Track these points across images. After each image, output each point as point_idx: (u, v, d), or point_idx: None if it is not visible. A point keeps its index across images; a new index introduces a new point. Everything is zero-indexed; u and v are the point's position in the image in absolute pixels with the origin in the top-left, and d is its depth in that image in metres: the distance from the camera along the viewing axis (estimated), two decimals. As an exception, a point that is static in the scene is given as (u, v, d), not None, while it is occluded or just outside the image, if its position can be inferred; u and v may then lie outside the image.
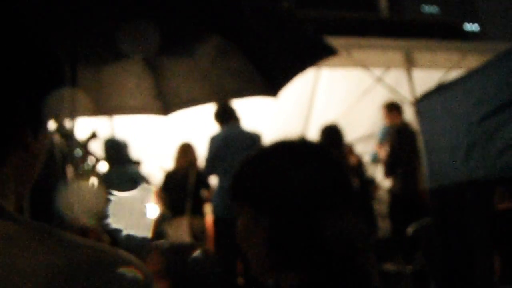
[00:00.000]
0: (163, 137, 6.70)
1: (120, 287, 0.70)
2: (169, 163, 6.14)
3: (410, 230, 4.99)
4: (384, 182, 6.74)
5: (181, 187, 5.68)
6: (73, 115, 2.86)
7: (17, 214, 0.77)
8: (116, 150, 4.95)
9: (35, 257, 0.68)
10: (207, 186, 5.87)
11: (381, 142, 6.55)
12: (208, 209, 5.81)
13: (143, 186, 4.92)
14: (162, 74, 3.62)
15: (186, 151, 5.94)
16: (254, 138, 5.22)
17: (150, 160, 6.53)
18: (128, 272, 0.71)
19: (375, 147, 6.86)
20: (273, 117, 7.03)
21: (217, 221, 5.24)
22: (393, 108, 6.19)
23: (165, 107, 3.78)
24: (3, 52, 0.79)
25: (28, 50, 0.83)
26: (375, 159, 7.04)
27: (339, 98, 7.37)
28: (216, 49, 3.31)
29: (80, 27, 2.80)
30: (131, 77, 3.65)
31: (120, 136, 5.20)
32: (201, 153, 5.74)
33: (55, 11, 2.50)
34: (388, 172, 6.14)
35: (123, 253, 0.74)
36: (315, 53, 3.27)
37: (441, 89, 4.53)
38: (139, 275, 0.72)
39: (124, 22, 2.98)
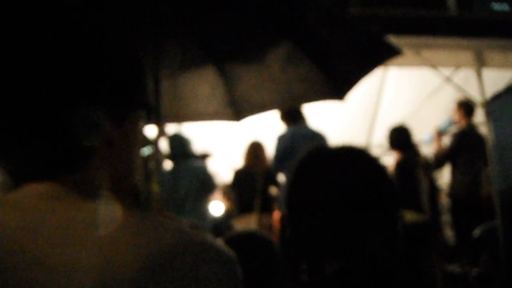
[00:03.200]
0: (231, 136, 6.80)
1: (209, 268, 0.72)
2: (238, 162, 6.25)
3: (476, 232, 4.94)
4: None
5: (250, 185, 5.76)
6: (160, 120, 2.97)
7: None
8: (181, 146, 5.07)
9: (137, 239, 0.71)
10: (276, 183, 5.91)
11: (442, 132, 6.41)
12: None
13: (208, 183, 5.03)
14: (234, 81, 3.70)
15: (255, 150, 6.03)
16: (320, 138, 5.29)
17: (218, 158, 6.66)
18: (216, 253, 0.74)
19: (433, 132, 6.61)
20: (340, 117, 7.04)
21: (282, 217, 5.31)
22: (464, 107, 6.09)
23: (237, 113, 3.87)
24: (65, 51, 0.79)
25: (95, 50, 0.83)
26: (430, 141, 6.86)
27: (406, 98, 7.30)
28: (285, 55, 3.38)
29: (161, 36, 2.92)
30: (204, 84, 3.75)
31: (184, 132, 5.31)
32: (270, 152, 5.82)
33: (139, 20, 2.61)
34: (435, 166, 6.14)
35: (210, 236, 0.76)
36: (379, 54, 3.24)
37: (512, 89, 4.48)
38: (226, 256, 0.75)
39: (197, 30, 3.08)
